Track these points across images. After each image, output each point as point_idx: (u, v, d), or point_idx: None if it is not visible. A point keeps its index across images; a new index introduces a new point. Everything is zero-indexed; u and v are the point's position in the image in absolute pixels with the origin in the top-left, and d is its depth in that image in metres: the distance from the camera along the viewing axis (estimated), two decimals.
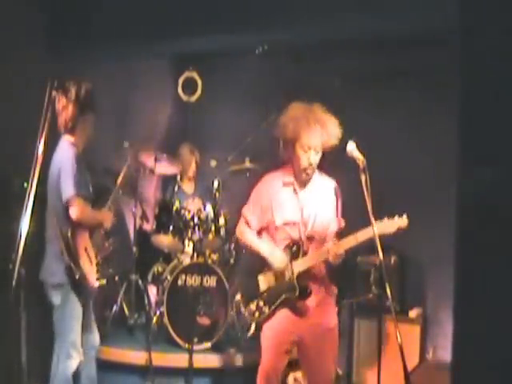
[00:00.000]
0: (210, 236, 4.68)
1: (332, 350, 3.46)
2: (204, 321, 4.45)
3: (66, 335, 3.48)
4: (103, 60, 5.11)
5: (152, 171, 5.08)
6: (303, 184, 3.40)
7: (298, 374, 4.55)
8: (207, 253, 4.78)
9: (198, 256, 4.62)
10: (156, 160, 5.05)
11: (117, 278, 5.03)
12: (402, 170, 4.92)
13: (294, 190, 3.39)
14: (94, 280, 3.47)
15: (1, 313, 3.06)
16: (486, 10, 1.45)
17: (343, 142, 3.26)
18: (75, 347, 3.50)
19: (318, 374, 3.44)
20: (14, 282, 2.70)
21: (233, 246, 5.13)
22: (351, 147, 3.27)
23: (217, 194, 4.77)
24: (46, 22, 4.69)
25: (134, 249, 5.03)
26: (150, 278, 5.10)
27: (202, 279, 4.44)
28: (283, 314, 3.37)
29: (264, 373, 3.48)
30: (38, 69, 4.30)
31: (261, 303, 3.39)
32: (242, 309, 3.48)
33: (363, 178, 3.13)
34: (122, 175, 3.76)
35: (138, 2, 4.43)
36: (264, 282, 3.41)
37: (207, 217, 4.68)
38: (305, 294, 3.31)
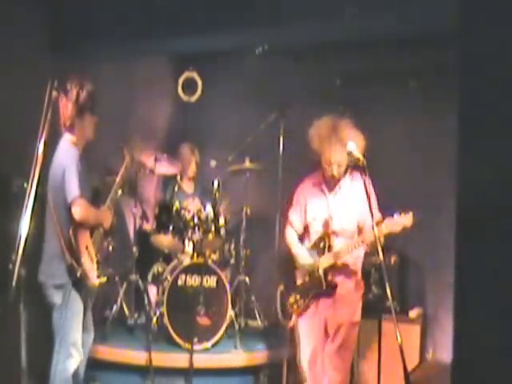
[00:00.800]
0: (210, 236, 4.67)
1: (351, 345, 3.65)
2: (204, 321, 4.45)
3: (67, 335, 3.48)
4: (103, 60, 5.11)
5: (152, 171, 5.08)
6: (331, 187, 3.70)
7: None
8: (207, 253, 4.78)
9: (198, 256, 4.62)
10: (156, 160, 5.05)
11: (117, 278, 5.03)
12: (402, 170, 4.92)
13: (322, 189, 3.71)
14: (94, 278, 3.48)
15: (1, 313, 3.05)
16: (486, 10, 1.45)
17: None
18: (76, 346, 3.50)
19: (337, 369, 3.59)
20: (13, 282, 2.69)
21: (233, 246, 5.14)
22: (351, 147, 3.29)
23: (217, 194, 4.76)
24: (47, 22, 4.69)
25: (134, 249, 5.03)
26: (150, 278, 5.10)
27: (201, 279, 4.44)
28: (315, 306, 3.65)
29: (311, 357, 3.68)
30: (38, 68, 4.30)
31: (297, 296, 3.69)
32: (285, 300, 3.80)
33: (363, 177, 3.15)
34: (119, 175, 3.78)
35: (139, 1, 4.43)
36: (299, 276, 3.71)
37: (207, 217, 4.68)
38: (330, 287, 3.58)
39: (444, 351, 4.73)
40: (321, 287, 3.59)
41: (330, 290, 3.58)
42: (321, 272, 3.58)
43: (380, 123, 4.79)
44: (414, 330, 4.68)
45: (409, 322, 4.64)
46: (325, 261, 3.59)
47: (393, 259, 4.78)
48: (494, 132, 1.44)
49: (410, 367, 3.47)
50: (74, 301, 3.47)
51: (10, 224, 3.55)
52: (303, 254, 3.71)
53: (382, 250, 3.02)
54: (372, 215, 3.13)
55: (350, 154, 3.30)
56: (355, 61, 5.32)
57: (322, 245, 3.61)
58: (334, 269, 3.58)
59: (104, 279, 3.55)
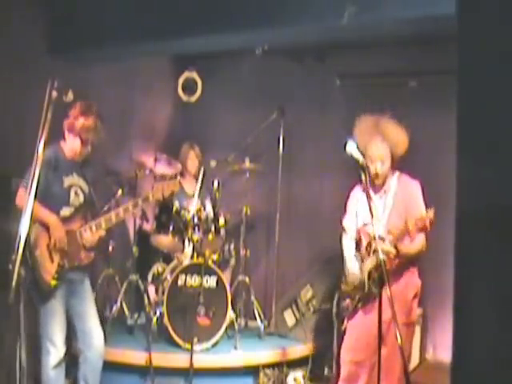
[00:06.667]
0: (210, 236, 4.67)
1: (404, 348, 3.38)
2: (204, 321, 4.44)
3: (43, 330, 3.61)
4: (103, 60, 5.11)
5: (152, 171, 5.08)
6: (376, 189, 3.69)
7: (298, 374, 4.56)
8: (207, 253, 4.77)
9: (197, 256, 4.62)
10: (156, 160, 5.04)
11: (117, 278, 5.04)
12: (401, 170, 4.91)
13: (368, 194, 3.56)
14: (48, 277, 3.54)
15: (1, 313, 3.06)
16: (485, 10, 1.45)
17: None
18: (53, 343, 3.60)
19: (389, 370, 3.38)
20: (13, 282, 2.69)
21: (233, 246, 5.14)
22: (351, 147, 3.28)
23: (217, 194, 4.76)
24: (47, 22, 4.70)
25: (134, 249, 5.03)
26: (149, 278, 5.09)
27: (201, 279, 4.44)
28: (364, 310, 3.64)
29: (347, 358, 3.68)
30: (38, 69, 4.30)
31: (348, 300, 3.70)
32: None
33: (363, 177, 3.15)
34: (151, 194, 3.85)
35: (138, 2, 4.43)
36: (351, 280, 3.71)
37: (207, 217, 4.68)
38: (374, 290, 3.54)
39: (444, 351, 4.73)
40: (364, 289, 3.59)
41: (373, 292, 3.54)
42: (365, 275, 3.58)
43: None
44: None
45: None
46: (368, 263, 3.58)
47: None
48: (493, 132, 1.44)
49: (410, 367, 3.47)
50: (43, 296, 3.57)
51: (9, 224, 3.56)
52: (349, 262, 3.73)
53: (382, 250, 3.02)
54: (372, 216, 3.11)
55: (350, 155, 3.30)
56: (355, 61, 5.32)
57: (368, 249, 3.61)
58: (377, 271, 3.47)
59: (55, 283, 3.55)
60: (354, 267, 3.71)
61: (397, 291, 3.50)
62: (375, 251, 3.50)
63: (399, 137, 3.63)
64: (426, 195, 4.65)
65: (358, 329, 3.65)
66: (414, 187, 3.68)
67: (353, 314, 3.68)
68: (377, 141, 3.57)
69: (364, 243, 3.67)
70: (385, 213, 3.63)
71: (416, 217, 3.39)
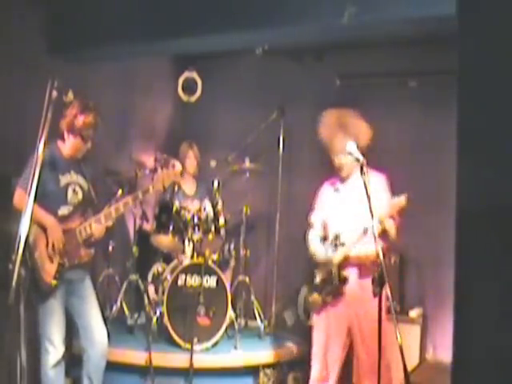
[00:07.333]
0: (210, 236, 4.67)
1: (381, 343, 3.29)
2: (204, 321, 4.45)
3: (42, 330, 3.61)
4: (103, 60, 5.11)
5: (152, 171, 5.07)
6: (343, 181, 3.77)
7: (298, 374, 4.56)
8: (207, 253, 4.77)
9: (197, 256, 4.61)
10: (156, 160, 5.04)
11: (117, 278, 5.04)
12: (401, 169, 4.92)
13: (336, 188, 3.78)
14: (48, 277, 3.54)
15: (1, 313, 3.06)
16: (485, 10, 1.45)
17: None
18: (51, 342, 3.61)
19: (371, 369, 3.37)
20: (13, 282, 2.69)
21: (233, 246, 5.14)
22: (351, 147, 3.29)
23: (217, 194, 4.76)
24: (46, 22, 4.70)
25: (134, 249, 5.03)
26: (149, 278, 5.09)
27: (201, 279, 4.44)
28: (333, 303, 3.64)
29: (319, 357, 3.68)
30: (38, 69, 4.30)
31: (315, 294, 3.69)
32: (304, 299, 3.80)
33: (363, 177, 3.15)
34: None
35: (138, 1, 4.43)
36: (319, 274, 3.70)
37: (207, 217, 4.68)
38: (342, 282, 3.60)
39: (444, 351, 4.73)
40: (334, 282, 3.60)
41: (342, 285, 3.59)
42: (334, 268, 3.59)
43: (380, 123, 4.79)
44: (414, 330, 4.68)
45: (409, 321, 4.65)
46: (337, 256, 3.60)
47: (393, 259, 4.78)
48: (493, 132, 1.44)
49: (409, 367, 3.46)
50: (43, 296, 3.56)
51: (9, 224, 3.56)
52: (320, 251, 3.72)
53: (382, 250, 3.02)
54: (372, 216, 3.10)
55: (349, 154, 3.30)
56: (355, 61, 5.32)
57: (336, 241, 3.63)
58: (347, 264, 3.59)
59: (56, 283, 3.55)
60: (323, 254, 3.71)
61: (366, 286, 3.48)
62: (343, 244, 3.57)
63: (361, 129, 3.66)
64: (427, 195, 4.65)
65: (327, 324, 3.66)
66: (379, 181, 3.67)
67: (321, 309, 3.67)
68: (339, 134, 3.62)
69: (330, 237, 3.68)
70: (349, 205, 3.66)
71: (384, 207, 3.42)
